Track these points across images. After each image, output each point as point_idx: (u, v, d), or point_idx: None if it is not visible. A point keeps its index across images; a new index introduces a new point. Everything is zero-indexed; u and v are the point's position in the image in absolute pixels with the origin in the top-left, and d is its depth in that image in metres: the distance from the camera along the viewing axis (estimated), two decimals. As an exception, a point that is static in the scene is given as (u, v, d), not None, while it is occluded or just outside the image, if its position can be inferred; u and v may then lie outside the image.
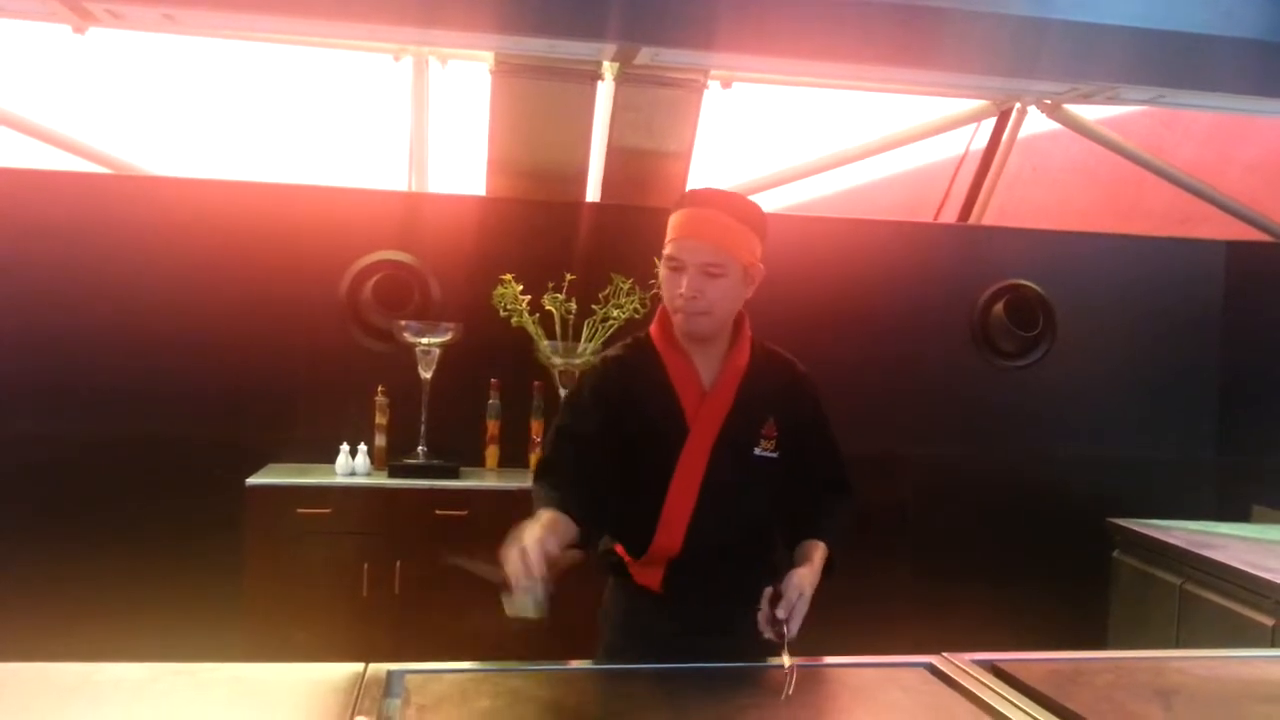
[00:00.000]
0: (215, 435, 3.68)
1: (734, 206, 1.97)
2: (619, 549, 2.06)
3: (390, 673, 1.70)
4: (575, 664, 1.93)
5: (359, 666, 1.72)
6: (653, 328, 2.08)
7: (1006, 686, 1.75)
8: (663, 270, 1.99)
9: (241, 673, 1.69)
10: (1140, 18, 2.62)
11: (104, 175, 3.91)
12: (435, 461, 3.59)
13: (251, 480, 3.40)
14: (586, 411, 2.00)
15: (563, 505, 1.80)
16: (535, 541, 1.63)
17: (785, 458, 2.02)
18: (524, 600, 1.57)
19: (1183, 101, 3.58)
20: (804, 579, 1.85)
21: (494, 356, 3.76)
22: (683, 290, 1.93)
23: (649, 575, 2.02)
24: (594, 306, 3.71)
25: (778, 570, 2.03)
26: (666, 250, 1.97)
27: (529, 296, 3.67)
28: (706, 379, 2.02)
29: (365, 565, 3.39)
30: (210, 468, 3.59)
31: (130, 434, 3.65)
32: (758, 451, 2.01)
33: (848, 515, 2.09)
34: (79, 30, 3.20)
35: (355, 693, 1.62)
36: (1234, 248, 4.38)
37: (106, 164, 3.97)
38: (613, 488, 1.97)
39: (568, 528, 1.77)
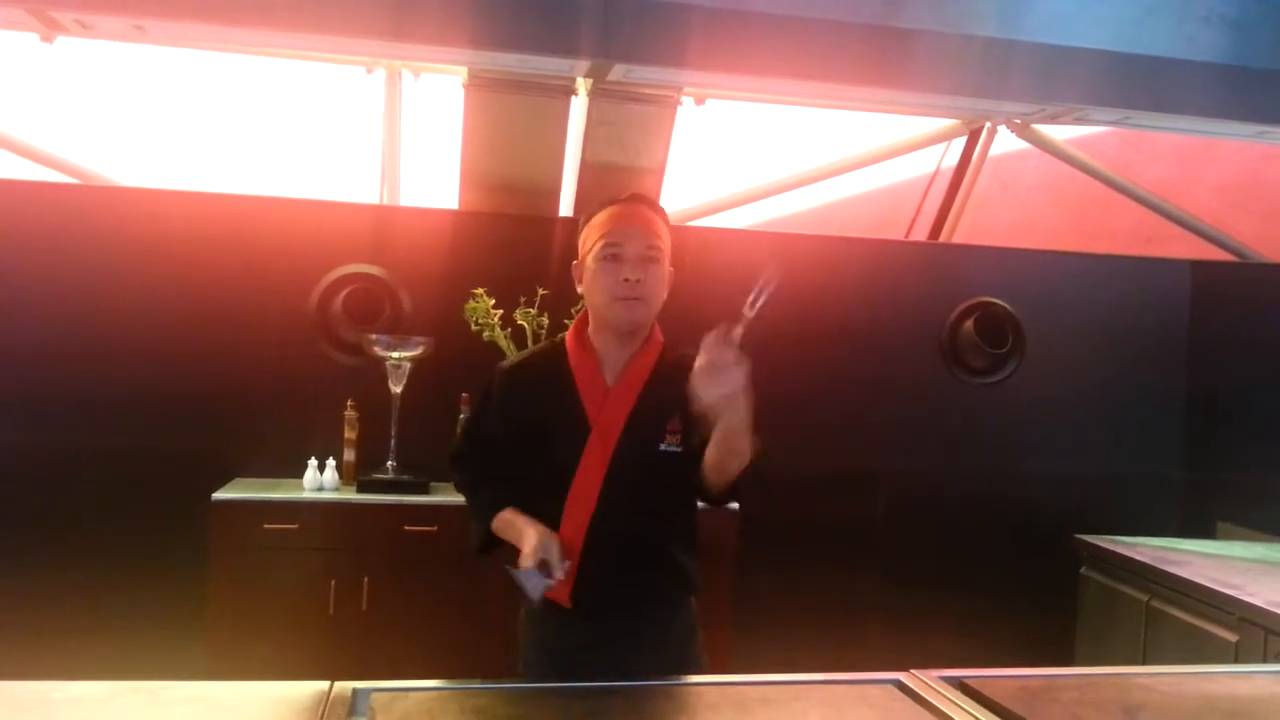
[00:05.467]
0: (181, 448, 3.64)
1: (653, 205, 2.09)
2: None
3: (356, 691, 1.68)
4: (542, 682, 1.92)
5: (324, 685, 1.70)
6: (568, 334, 2.14)
7: (974, 703, 1.75)
8: (594, 265, 2.02)
9: (204, 691, 1.66)
10: (1107, 41, 2.66)
11: (72, 185, 3.87)
12: (405, 477, 3.57)
13: (218, 495, 3.36)
14: (489, 416, 2.12)
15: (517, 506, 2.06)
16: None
17: (689, 449, 2.01)
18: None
19: (1148, 123, 3.64)
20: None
21: (465, 371, 3.73)
22: (628, 275, 1.98)
23: (558, 588, 2.00)
24: (566, 321, 3.69)
25: (686, 573, 2.10)
26: (599, 244, 2.01)
27: (501, 311, 3.66)
28: (611, 379, 2.06)
29: (332, 582, 3.36)
30: (176, 481, 3.55)
31: (94, 446, 3.60)
32: (662, 447, 2.02)
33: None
34: (46, 39, 3.17)
35: (320, 711, 1.60)
36: (1199, 267, 4.44)
37: (74, 174, 3.93)
38: (520, 486, 2.09)
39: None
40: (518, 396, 2.10)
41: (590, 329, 2.11)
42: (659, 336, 2.11)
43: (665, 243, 2.04)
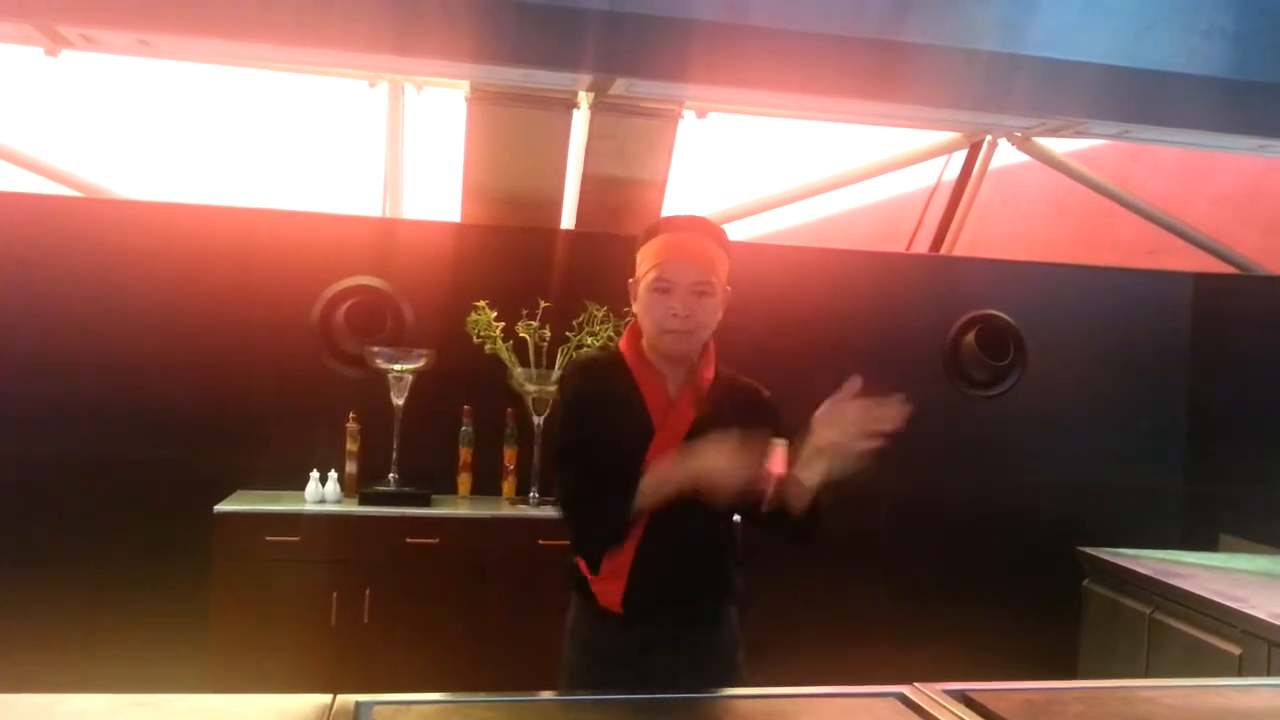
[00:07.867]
0: (184, 460, 3.64)
1: (710, 230, 2.08)
2: (580, 563, 2.09)
3: (358, 704, 1.68)
4: (546, 694, 1.91)
5: (326, 698, 1.69)
6: (622, 343, 2.14)
7: (978, 717, 1.75)
8: (646, 294, 2.04)
9: (206, 704, 1.66)
10: (1107, 55, 2.67)
11: (76, 198, 3.88)
12: (406, 489, 3.57)
13: (220, 507, 3.36)
14: (582, 417, 2.06)
15: None
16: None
17: None
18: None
19: (1148, 137, 3.65)
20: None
21: (467, 383, 3.75)
22: (676, 310, 1.99)
23: (610, 591, 2.03)
24: (568, 334, 3.71)
25: (732, 582, 2.13)
26: (651, 274, 2.02)
27: (503, 323, 3.66)
28: (673, 391, 2.07)
29: (334, 594, 3.36)
30: (178, 493, 3.55)
31: (97, 458, 3.60)
32: None
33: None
34: (51, 53, 3.18)
35: (322, 724, 1.60)
36: (1201, 279, 4.44)
37: (78, 187, 3.94)
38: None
39: None
40: (587, 394, 2.08)
41: (644, 344, 2.12)
42: (713, 354, 2.12)
43: (717, 273, 2.04)
